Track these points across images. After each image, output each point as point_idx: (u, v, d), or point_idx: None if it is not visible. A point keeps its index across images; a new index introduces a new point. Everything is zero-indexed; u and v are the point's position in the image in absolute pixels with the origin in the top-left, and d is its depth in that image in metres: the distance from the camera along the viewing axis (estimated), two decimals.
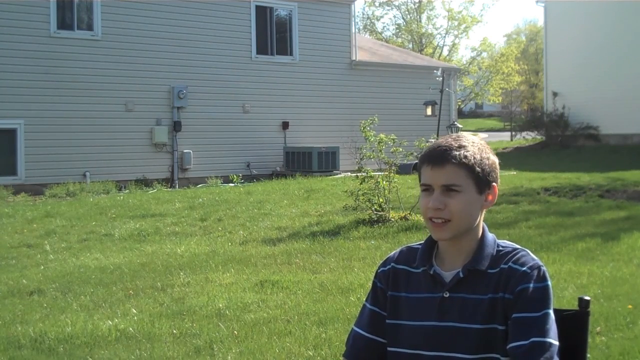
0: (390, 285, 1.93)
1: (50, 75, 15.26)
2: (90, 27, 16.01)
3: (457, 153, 1.80)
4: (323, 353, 4.43)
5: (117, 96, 16.06)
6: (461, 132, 2.00)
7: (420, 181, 1.86)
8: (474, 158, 1.81)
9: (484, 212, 1.87)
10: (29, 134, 15.09)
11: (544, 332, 1.70)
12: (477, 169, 1.80)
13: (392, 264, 1.96)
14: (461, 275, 1.81)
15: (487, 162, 1.83)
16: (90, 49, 15.82)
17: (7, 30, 14.90)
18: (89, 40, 15.88)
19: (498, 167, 1.88)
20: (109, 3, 16.08)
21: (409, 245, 2.00)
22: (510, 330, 1.74)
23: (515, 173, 14.51)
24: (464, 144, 1.82)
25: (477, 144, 1.84)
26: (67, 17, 15.78)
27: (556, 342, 1.71)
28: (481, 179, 1.82)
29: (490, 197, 1.85)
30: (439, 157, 1.81)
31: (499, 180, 1.88)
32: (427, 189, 1.83)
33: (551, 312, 1.74)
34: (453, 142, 1.83)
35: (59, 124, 15.40)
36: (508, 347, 1.72)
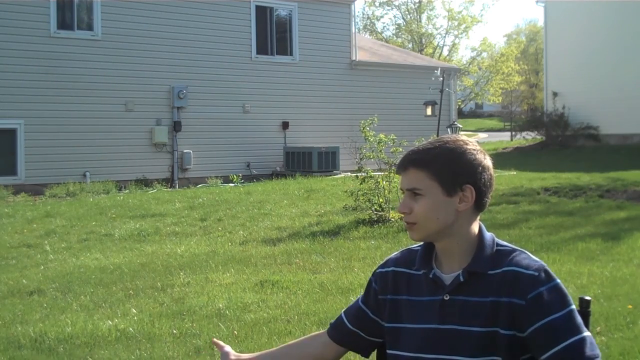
0: (389, 289, 1.93)
1: (50, 75, 15.26)
2: (90, 27, 16.00)
3: (417, 157, 1.81)
4: None
5: (117, 96, 16.05)
6: (448, 135, 1.96)
7: None
8: (437, 161, 1.78)
9: (472, 213, 1.82)
10: (29, 134, 15.08)
11: (578, 328, 1.69)
12: (440, 171, 1.78)
13: (393, 267, 1.96)
14: (461, 279, 1.80)
15: (457, 163, 1.78)
16: (90, 49, 15.81)
17: (7, 30, 14.89)
18: (89, 40, 15.88)
19: (480, 167, 1.80)
20: (109, 3, 16.08)
21: (410, 247, 1.99)
22: (540, 338, 1.70)
23: (515, 173, 14.51)
24: (430, 147, 1.81)
25: (450, 146, 1.80)
26: (67, 17, 15.78)
27: (589, 334, 1.70)
28: (447, 181, 1.78)
29: (466, 199, 1.79)
30: (403, 162, 1.84)
31: (482, 182, 1.79)
32: (403, 193, 1.87)
33: (574, 307, 1.73)
34: (422, 146, 1.83)
35: (59, 124, 15.40)
36: (543, 356, 1.69)
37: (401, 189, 1.87)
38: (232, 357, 2.05)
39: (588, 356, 1.66)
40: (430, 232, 1.82)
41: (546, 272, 1.75)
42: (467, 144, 1.82)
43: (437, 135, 13.13)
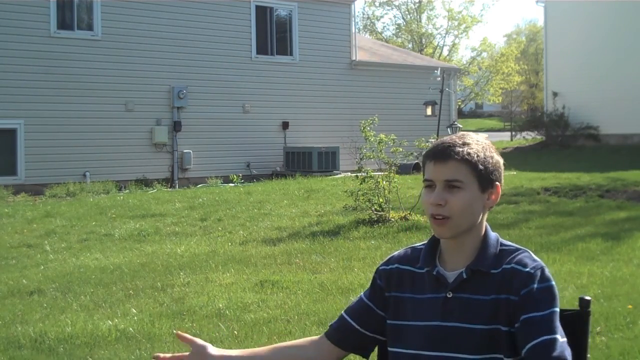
0: (393, 286, 1.93)
1: (50, 75, 15.26)
2: (90, 27, 16.01)
3: (461, 149, 1.80)
4: None
5: (117, 96, 16.05)
6: (465, 132, 1.93)
7: (423, 177, 1.86)
8: (478, 155, 1.80)
9: (487, 212, 1.86)
10: (29, 134, 15.08)
11: (553, 330, 1.70)
12: (480, 166, 1.80)
13: (397, 264, 1.95)
14: (464, 276, 1.81)
15: (490, 160, 1.83)
16: (90, 49, 15.81)
17: (7, 30, 14.89)
18: (89, 40, 15.88)
19: (502, 167, 1.88)
20: (109, 3, 16.08)
21: (413, 245, 2.00)
22: (521, 331, 1.73)
23: (515, 173, 14.51)
24: (468, 141, 1.83)
25: (481, 143, 1.84)
26: (67, 17, 15.78)
27: (564, 339, 1.71)
28: (484, 177, 1.81)
29: (493, 197, 1.84)
30: (442, 152, 1.81)
31: (502, 181, 1.87)
32: (429, 185, 1.83)
33: (557, 310, 1.74)
34: (457, 140, 1.83)
35: (59, 124, 15.40)
36: (523, 350, 1.71)
37: (429, 180, 1.82)
38: (214, 352, 1.92)
39: (553, 356, 1.67)
40: (461, 229, 1.80)
41: (542, 271, 1.76)
42: (491, 144, 1.88)
43: (437, 136, 13.08)
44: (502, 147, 26.11)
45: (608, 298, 5.39)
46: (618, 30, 21.62)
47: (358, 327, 1.97)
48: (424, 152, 1.88)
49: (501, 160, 1.88)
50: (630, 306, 5.12)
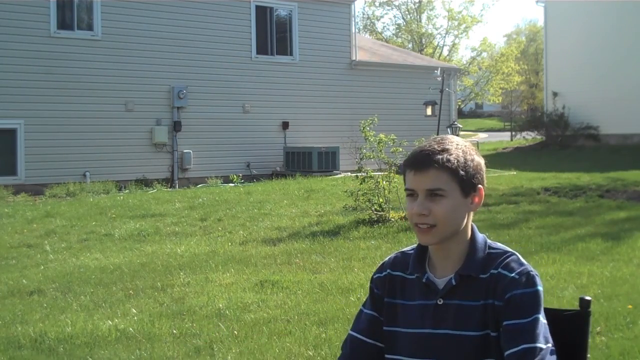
0: (386, 292, 1.91)
1: (50, 75, 15.26)
2: (90, 27, 16.01)
3: (440, 157, 1.77)
4: (323, 353, 4.43)
5: (117, 96, 16.05)
6: (445, 135, 1.91)
7: (405, 185, 1.83)
8: (458, 161, 1.77)
9: (471, 214, 1.84)
10: (29, 134, 15.08)
11: (534, 338, 1.68)
12: (461, 172, 1.77)
13: (388, 270, 1.93)
14: (453, 282, 1.79)
15: (471, 164, 1.80)
16: (90, 49, 15.81)
17: (7, 30, 14.89)
18: (89, 40, 15.88)
19: (484, 168, 1.85)
20: (109, 3, 16.08)
21: (403, 250, 1.97)
22: (502, 337, 1.71)
23: (515, 173, 14.50)
24: (447, 147, 1.79)
25: (460, 146, 1.81)
26: (67, 17, 15.78)
27: (545, 346, 1.68)
28: (466, 182, 1.78)
29: (476, 200, 1.82)
30: (422, 161, 1.78)
31: (485, 182, 1.84)
32: (411, 193, 1.80)
33: (540, 316, 1.71)
34: (436, 146, 1.80)
35: (59, 124, 15.40)
36: (504, 355, 1.70)
37: (410, 189, 1.80)
38: None
39: None
40: (446, 235, 1.79)
41: (528, 276, 1.74)
42: (471, 145, 1.85)
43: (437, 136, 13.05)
44: (502, 147, 26.11)
45: (608, 298, 5.38)
46: (618, 30, 21.61)
47: (372, 342, 1.91)
48: (404, 160, 1.84)
49: (482, 162, 1.84)
50: (630, 306, 5.12)
